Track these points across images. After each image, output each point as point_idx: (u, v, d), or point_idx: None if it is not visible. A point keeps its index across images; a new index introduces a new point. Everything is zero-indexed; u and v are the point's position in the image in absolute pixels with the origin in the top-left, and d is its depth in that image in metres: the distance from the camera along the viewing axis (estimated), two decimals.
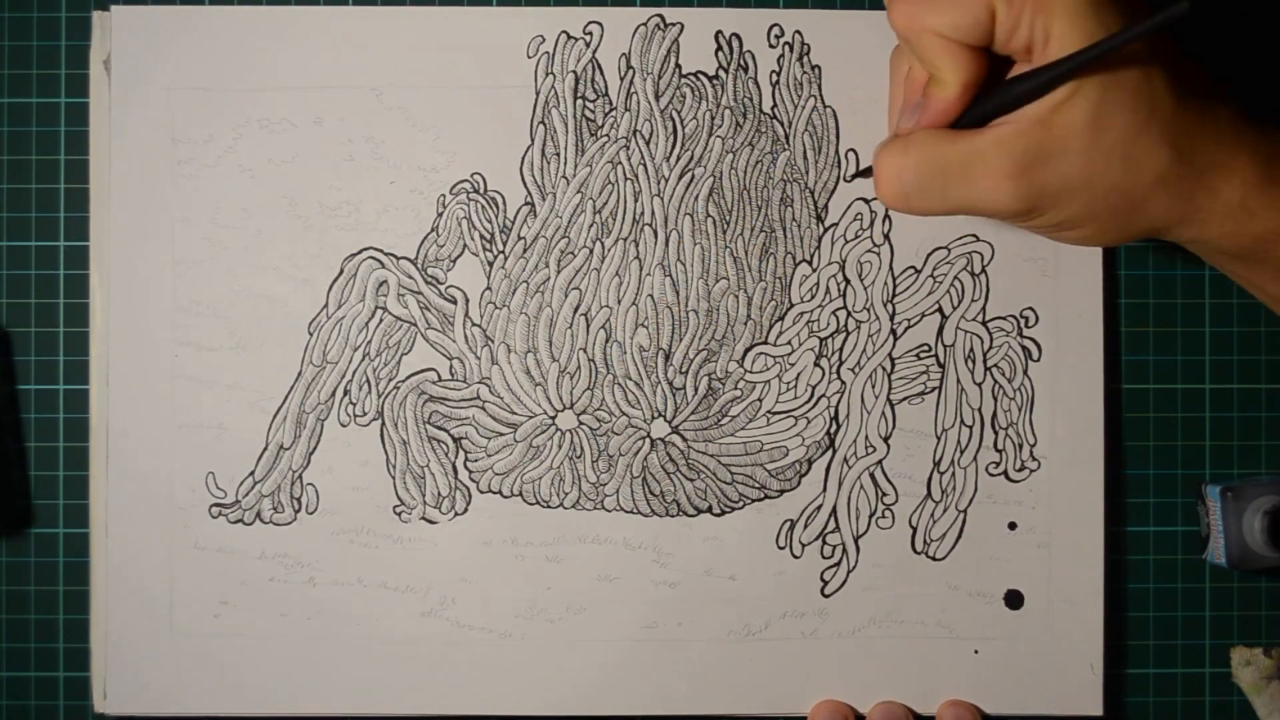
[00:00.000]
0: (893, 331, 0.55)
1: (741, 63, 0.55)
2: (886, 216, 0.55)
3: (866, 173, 0.53)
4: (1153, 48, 0.43)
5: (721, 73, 0.55)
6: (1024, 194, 0.43)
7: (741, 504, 0.55)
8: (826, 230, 0.55)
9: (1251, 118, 0.45)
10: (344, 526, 0.54)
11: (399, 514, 0.55)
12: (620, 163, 0.55)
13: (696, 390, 0.55)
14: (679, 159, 0.55)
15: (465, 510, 0.55)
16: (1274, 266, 0.46)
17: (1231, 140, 0.44)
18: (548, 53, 0.55)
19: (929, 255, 0.55)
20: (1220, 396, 0.57)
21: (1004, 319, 0.55)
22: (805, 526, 0.55)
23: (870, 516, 0.55)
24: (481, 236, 0.55)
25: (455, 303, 0.55)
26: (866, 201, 0.55)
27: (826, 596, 0.55)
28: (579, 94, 0.55)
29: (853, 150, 0.55)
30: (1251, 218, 0.44)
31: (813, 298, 0.55)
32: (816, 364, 0.55)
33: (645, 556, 0.55)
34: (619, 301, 0.54)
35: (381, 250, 0.55)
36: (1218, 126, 0.44)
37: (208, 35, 0.54)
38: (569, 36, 0.55)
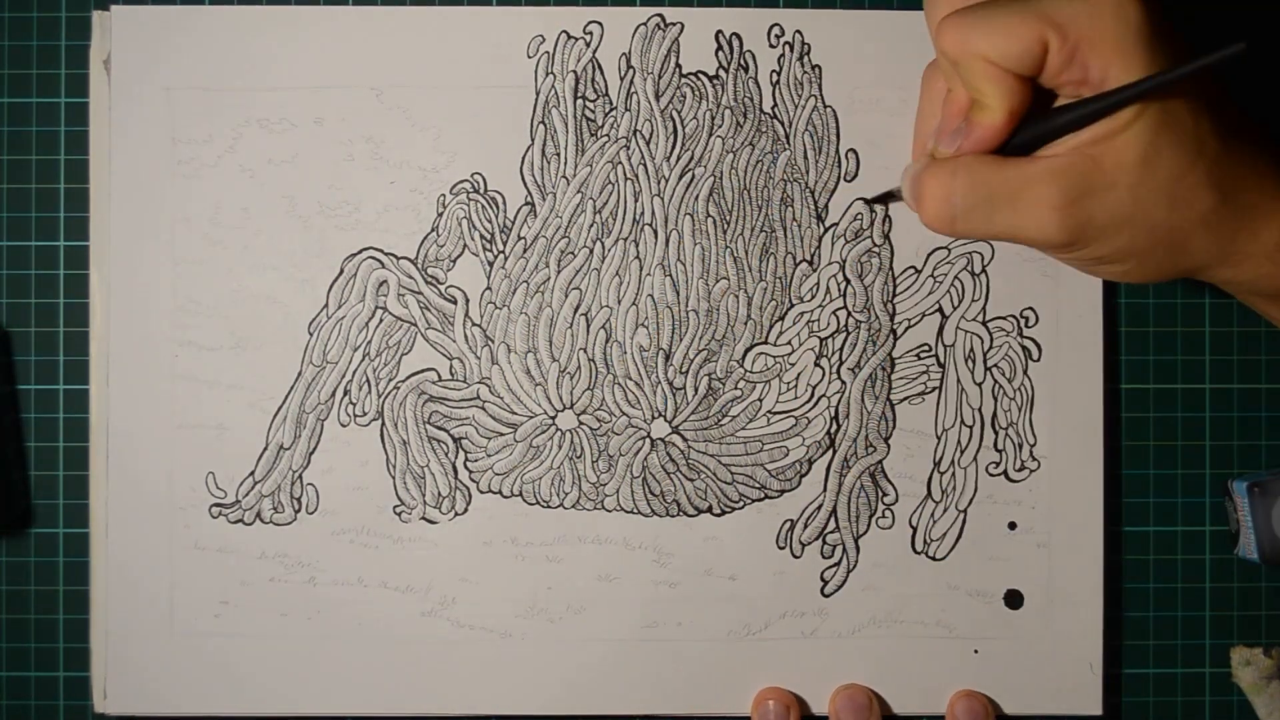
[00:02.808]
0: (893, 331, 0.55)
1: (742, 62, 0.55)
2: (887, 217, 0.55)
3: (887, 197, 0.53)
4: (1201, 90, 0.43)
5: (722, 72, 0.55)
6: (1070, 225, 0.43)
7: (741, 504, 0.55)
8: (826, 230, 0.55)
9: None
10: (344, 526, 0.54)
11: (399, 514, 0.55)
12: (620, 163, 0.55)
13: (696, 390, 0.55)
14: (679, 159, 0.55)
15: (465, 510, 0.55)
16: None
17: (1273, 184, 0.44)
18: (548, 53, 0.55)
19: (929, 255, 0.55)
20: (1220, 396, 0.57)
21: (1004, 319, 0.55)
22: (805, 526, 0.55)
23: (870, 516, 0.55)
24: (481, 236, 0.55)
25: (455, 303, 0.55)
26: (866, 202, 0.55)
27: (826, 596, 0.55)
28: (579, 94, 0.55)
29: (853, 150, 0.55)
30: None
31: (813, 298, 0.55)
32: (816, 364, 0.55)
33: (645, 556, 0.55)
34: (619, 301, 0.54)
35: (381, 250, 0.55)
36: (1259, 170, 0.44)
37: (208, 35, 0.54)
38: (569, 36, 0.55)
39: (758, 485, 0.55)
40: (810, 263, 0.55)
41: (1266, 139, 0.46)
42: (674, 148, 0.55)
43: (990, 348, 0.55)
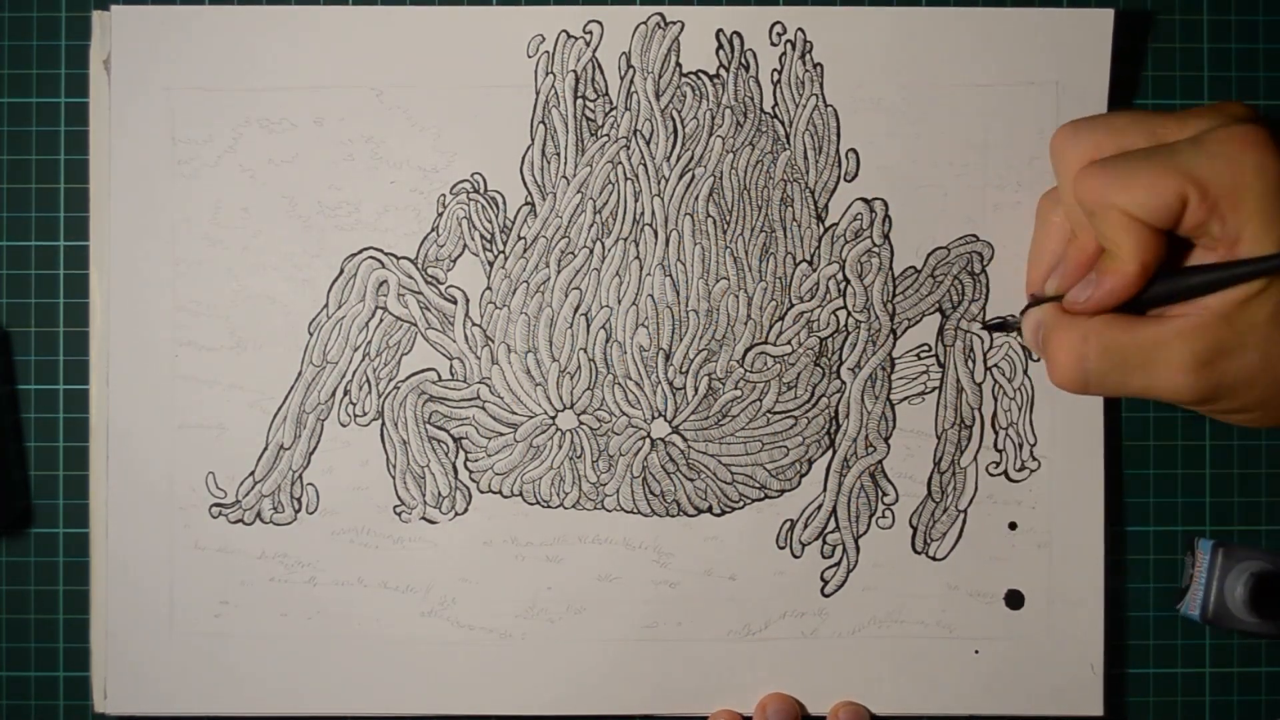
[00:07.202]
0: (893, 331, 0.55)
1: (743, 61, 0.55)
2: (887, 216, 0.55)
3: (1002, 326, 0.54)
4: None
5: (722, 71, 0.55)
6: (1203, 386, 0.44)
7: (741, 504, 0.55)
8: (826, 230, 0.55)
9: None
10: (344, 526, 0.55)
11: (399, 514, 0.55)
12: (620, 162, 0.55)
13: (696, 390, 0.55)
14: (679, 159, 0.55)
15: (465, 510, 0.55)
16: None
17: None
18: (548, 52, 0.55)
19: (929, 255, 0.55)
20: None
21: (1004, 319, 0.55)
22: (805, 526, 0.55)
23: (870, 516, 0.55)
24: (482, 236, 0.55)
25: (455, 303, 0.55)
26: (866, 201, 0.55)
27: (826, 596, 0.55)
28: (579, 93, 0.55)
29: (853, 150, 0.55)
30: None
31: (813, 298, 0.55)
32: (816, 364, 0.55)
33: (645, 556, 0.55)
34: (619, 301, 0.54)
35: (381, 250, 0.55)
36: None
37: (208, 35, 0.54)
38: (569, 36, 0.55)
39: (758, 485, 0.55)
40: (810, 263, 0.55)
41: None
42: (674, 147, 0.55)
43: (990, 348, 0.55)
